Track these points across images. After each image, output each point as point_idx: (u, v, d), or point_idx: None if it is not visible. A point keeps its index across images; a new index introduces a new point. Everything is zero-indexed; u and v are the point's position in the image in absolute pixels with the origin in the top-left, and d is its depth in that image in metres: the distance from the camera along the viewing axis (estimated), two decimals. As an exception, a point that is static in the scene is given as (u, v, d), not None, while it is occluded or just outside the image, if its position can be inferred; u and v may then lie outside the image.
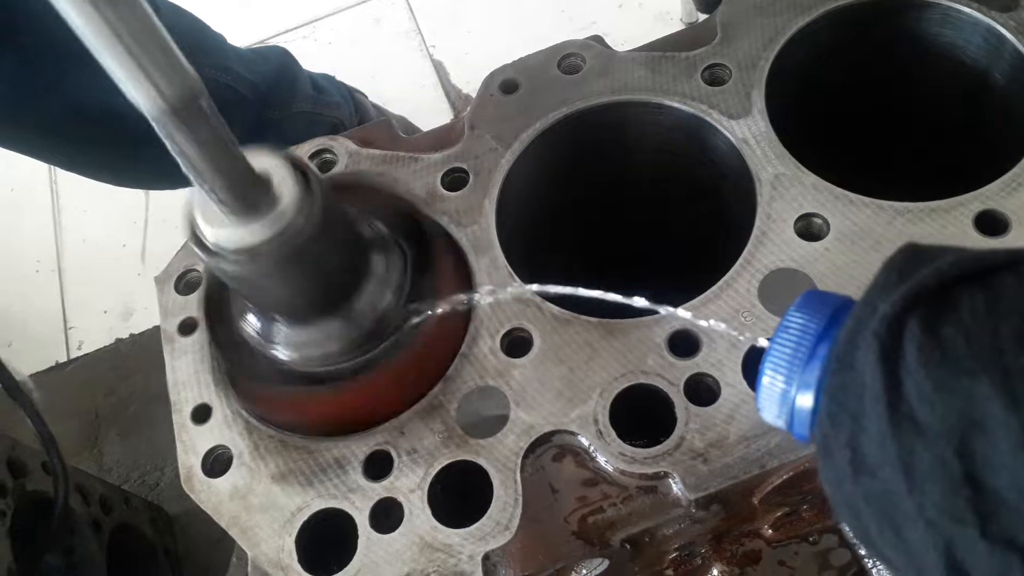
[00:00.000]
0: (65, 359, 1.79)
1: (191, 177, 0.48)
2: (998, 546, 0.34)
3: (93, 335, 1.80)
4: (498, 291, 0.66)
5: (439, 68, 1.94)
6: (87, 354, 1.75)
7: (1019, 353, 0.35)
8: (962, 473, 0.35)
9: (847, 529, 0.78)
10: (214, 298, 0.71)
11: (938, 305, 0.38)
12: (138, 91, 0.43)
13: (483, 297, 0.65)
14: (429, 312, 0.62)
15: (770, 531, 0.76)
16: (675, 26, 1.86)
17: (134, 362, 1.69)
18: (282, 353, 0.62)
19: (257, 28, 2.04)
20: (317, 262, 0.56)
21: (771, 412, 0.47)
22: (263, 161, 0.53)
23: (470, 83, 1.87)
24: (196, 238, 0.53)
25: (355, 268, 0.61)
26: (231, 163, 0.49)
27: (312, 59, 1.64)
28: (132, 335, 1.75)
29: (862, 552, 0.76)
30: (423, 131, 0.83)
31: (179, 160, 0.47)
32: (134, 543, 1.39)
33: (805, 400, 0.44)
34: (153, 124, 0.44)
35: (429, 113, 1.82)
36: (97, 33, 0.40)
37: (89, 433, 1.65)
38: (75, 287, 1.89)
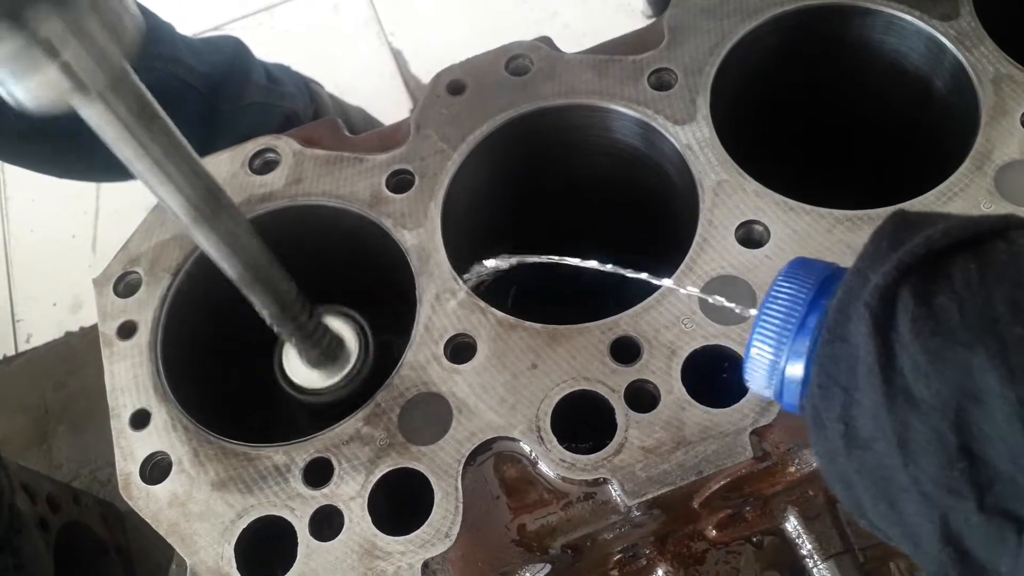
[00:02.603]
0: (13, 353, 1.75)
1: (300, 351, 0.70)
2: (995, 517, 0.34)
3: (42, 328, 1.75)
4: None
5: (398, 56, 1.92)
6: (36, 348, 1.71)
7: (1014, 322, 0.35)
8: (957, 446, 0.35)
9: (790, 528, 0.79)
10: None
11: (930, 274, 0.37)
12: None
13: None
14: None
15: (714, 532, 0.76)
16: (637, 18, 1.85)
17: (84, 355, 1.64)
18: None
19: (211, 14, 1.99)
20: None
21: (759, 382, 0.46)
22: (334, 323, 0.73)
23: (430, 72, 1.83)
24: (284, 377, 0.73)
25: None
26: (329, 342, 0.70)
27: (268, 47, 1.61)
28: (82, 328, 1.70)
29: (803, 552, 0.77)
30: (380, 122, 0.82)
31: (289, 342, 0.69)
32: (84, 541, 1.36)
33: (795, 370, 0.44)
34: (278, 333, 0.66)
35: (387, 103, 1.80)
36: None
37: (38, 429, 1.61)
38: (23, 279, 1.84)
